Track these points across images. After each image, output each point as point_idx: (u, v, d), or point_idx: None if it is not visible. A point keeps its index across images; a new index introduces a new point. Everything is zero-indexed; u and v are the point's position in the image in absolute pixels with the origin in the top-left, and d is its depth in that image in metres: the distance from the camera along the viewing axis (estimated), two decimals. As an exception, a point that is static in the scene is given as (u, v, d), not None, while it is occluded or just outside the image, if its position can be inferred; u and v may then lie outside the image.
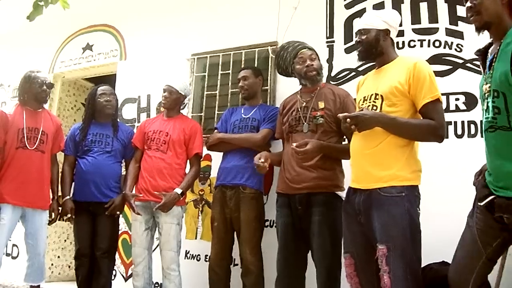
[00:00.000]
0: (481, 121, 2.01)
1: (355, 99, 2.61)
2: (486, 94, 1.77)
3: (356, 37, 2.37)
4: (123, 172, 3.42)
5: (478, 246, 1.81)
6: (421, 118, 2.15)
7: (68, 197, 3.22)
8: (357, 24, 2.40)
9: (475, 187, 1.95)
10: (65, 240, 4.82)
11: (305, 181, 2.57)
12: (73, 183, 3.30)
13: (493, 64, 1.75)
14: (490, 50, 1.85)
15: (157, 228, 3.21)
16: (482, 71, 1.87)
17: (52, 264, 4.65)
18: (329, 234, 2.50)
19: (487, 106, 1.76)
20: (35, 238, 3.10)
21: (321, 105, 2.68)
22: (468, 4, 1.82)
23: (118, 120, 3.54)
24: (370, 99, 2.24)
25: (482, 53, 1.89)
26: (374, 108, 2.20)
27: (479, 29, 1.83)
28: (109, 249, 3.23)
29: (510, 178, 1.70)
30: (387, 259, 2.01)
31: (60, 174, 3.36)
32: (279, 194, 2.76)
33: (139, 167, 3.26)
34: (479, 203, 1.82)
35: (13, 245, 4.51)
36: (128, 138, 3.43)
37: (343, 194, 2.49)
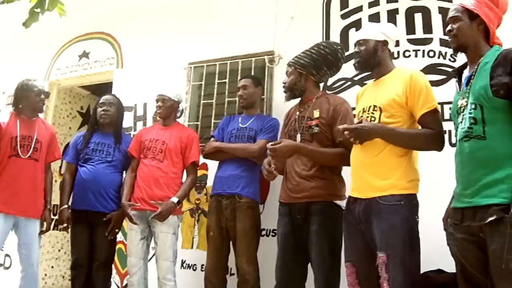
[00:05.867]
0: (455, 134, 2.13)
1: (353, 108, 2.63)
2: (462, 108, 1.91)
3: (355, 47, 2.42)
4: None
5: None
6: (420, 128, 2.20)
7: (65, 206, 3.20)
8: (357, 35, 2.47)
9: (446, 229, 2.02)
10: (59, 250, 4.77)
11: (304, 190, 2.57)
12: (72, 192, 3.28)
13: (471, 81, 1.90)
14: (465, 70, 2.01)
15: (153, 238, 3.18)
16: (458, 88, 2.00)
17: (45, 275, 4.59)
18: (327, 243, 2.49)
19: (463, 118, 1.90)
20: (28, 248, 3.06)
21: (316, 114, 2.68)
22: (448, 27, 2.00)
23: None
24: (368, 111, 2.29)
25: (458, 72, 2.06)
26: (373, 119, 2.24)
27: (455, 51, 2.02)
28: (106, 261, 3.21)
29: (477, 185, 1.80)
30: (387, 267, 2.04)
31: (55, 183, 3.32)
32: (280, 203, 2.76)
33: (135, 176, 3.25)
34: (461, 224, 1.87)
35: (6, 255, 4.45)
36: None
37: (342, 203, 2.49)
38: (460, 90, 1.98)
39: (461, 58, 2.71)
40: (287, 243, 2.63)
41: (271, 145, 2.50)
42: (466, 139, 1.87)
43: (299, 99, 2.85)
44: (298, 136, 2.68)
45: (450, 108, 2.76)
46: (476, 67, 1.91)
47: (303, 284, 2.64)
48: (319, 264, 2.49)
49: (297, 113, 2.78)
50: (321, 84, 3.00)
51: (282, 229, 2.68)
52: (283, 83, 2.87)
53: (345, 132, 2.19)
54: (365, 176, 2.22)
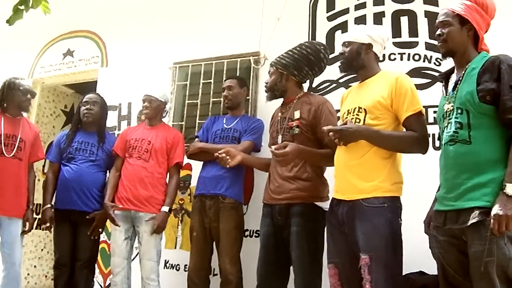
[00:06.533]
0: (438, 138, 2.15)
1: (337, 110, 2.64)
2: (448, 112, 1.94)
3: (341, 49, 2.42)
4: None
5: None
6: (404, 130, 2.21)
7: (48, 205, 3.17)
8: (343, 37, 2.48)
9: (427, 232, 2.06)
10: (41, 250, 4.72)
11: (285, 192, 2.57)
12: (55, 191, 3.25)
13: (457, 86, 1.92)
14: (452, 75, 2.02)
15: (136, 238, 3.17)
16: (444, 92, 2.02)
17: (28, 274, 4.54)
18: (307, 244, 2.49)
19: (449, 122, 1.92)
20: (11, 248, 3.01)
21: (297, 115, 2.67)
22: (438, 32, 2.01)
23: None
24: (353, 112, 2.29)
25: (444, 76, 2.07)
26: (358, 121, 2.25)
27: (444, 55, 2.03)
28: (89, 260, 3.18)
29: (461, 188, 1.83)
30: (370, 269, 2.05)
31: (38, 182, 3.28)
32: (264, 204, 2.76)
33: (120, 176, 3.23)
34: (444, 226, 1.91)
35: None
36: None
37: (324, 205, 2.50)
38: (446, 95, 2.00)
39: (446, 63, 2.76)
40: (269, 243, 2.63)
41: (276, 148, 2.43)
42: (451, 143, 1.89)
43: (282, 99, 2.86)
44: (280, 137, 2.68)
45: (434, 112, 2.84)
46: (463, 72, 1.92)
47: (285, 284, 2.65)
48: (299, 266, 2.49)
49: (280, 114, 2.79)
50: (307, 85, 3.01)
51: (264, 229, 2.68)
52: (265, 83, 2.88)
53: (330, 133, 2.19)
54: (349, 177, 2.22)
